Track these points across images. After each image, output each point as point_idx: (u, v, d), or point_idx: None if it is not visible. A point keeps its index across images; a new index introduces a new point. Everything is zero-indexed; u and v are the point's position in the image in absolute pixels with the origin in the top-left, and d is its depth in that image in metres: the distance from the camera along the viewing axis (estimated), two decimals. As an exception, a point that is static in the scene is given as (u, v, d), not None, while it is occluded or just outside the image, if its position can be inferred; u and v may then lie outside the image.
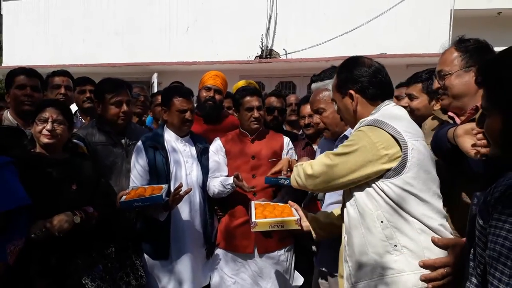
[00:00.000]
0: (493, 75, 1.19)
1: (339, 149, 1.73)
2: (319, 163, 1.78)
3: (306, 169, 1.82)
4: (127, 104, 2.77)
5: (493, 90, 1.18)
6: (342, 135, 2.37)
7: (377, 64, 1.82)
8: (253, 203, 2.32)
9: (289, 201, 2.24)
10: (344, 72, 1.83)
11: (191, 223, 2.70)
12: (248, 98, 2.78)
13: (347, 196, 1.78)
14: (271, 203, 2.35)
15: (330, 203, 2.31)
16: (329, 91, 2.37)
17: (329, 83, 2.40)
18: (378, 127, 1.64)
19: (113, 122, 2.75)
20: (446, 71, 1.89)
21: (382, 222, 1.62)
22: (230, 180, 2.65)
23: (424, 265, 1.55)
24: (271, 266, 2.73)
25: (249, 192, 2.64)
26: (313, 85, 2.53)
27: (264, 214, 2.16)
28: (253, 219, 2.10)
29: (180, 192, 2.47)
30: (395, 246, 1.60)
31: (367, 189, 1.67)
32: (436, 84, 1.99)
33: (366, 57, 1.85)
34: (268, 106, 3.36)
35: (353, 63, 1.83)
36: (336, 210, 2.14)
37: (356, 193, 1.71)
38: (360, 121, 1.76)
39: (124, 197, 2.42)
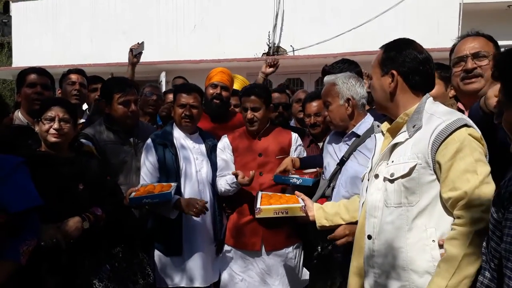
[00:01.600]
0: (509, 70, 1.18)
1: (472, 163, 1.48)
2: (477, 190, 1.45)
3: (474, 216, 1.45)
4: (135, 103, 2.78)
5: (510, 84, 1.17)
6: (351, 131, 2.35)
7: (428, 53, 1.70)
8: (260, 193, 2.36)
9: (296, 191, 2.25)
10: (393, 51, 1.71)
11: (202, 219, 2.70)
12: (243, 98, 2.77)
13: (396, 202, 1.61)
14: (279, 194, 2.38)
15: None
16: (336, 85, 2.36)
17: (341, 77, 2.39)
18: (473, 127, 1.53)
19: (121, 121, 2.76)
20: (487, 52, 1.83)
21: (433, 241, 1.52)
22: (235, 178, 2.65)
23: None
24: (279, 264, 2.72)
25: (252, 183, 2.60)
26: (326, 78, 2.52)
27: (270, 202, 2.17)
28: (257, 205, 2.12)
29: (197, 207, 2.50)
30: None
31: (437, 200, 1.54)
32: (472, 64, 1.89)
33: (419, 44, 1.73)
34: (272, 103, 3.32)
35: (405, 44, 1.71)
36: (343, 201, 2.13)
37: (418, 204, 1.56)
38: (445, 119, 1.55)
39: (133, 193, 2.44)
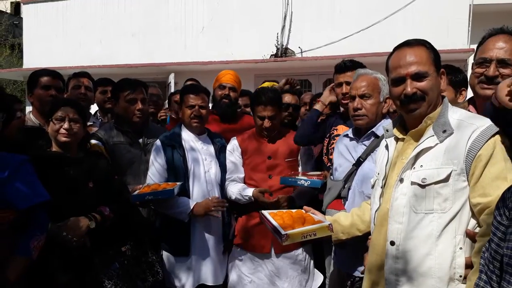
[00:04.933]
0: None
1: (503, 170, 1.49)
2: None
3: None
4: (142, 102, 2.81)
5: None
6: (370, 131, 2.29)
7: None
8: (265, 213, 2.05)
9: (305, 206, 2.09)
10: (434, 50, 1.69)
11: (210, 220, 2.71)
12: (260, 107, 2.73)
13: (428, 208, 1.57)
14: (284, 210, 2.15)
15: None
16: (379, 81, 2.29)
17: (380, 75, 2.31)
18: (501, 134, 1.52)
19: (129, 120, 2.79)
20: None
21: (460, 248, 1.51)
22: (249, 192, 2.65)
23: None
24: (288, 266, 2.71)
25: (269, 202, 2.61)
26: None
27: (284, 221, 1.93)
28: (283, 232, 1.79)
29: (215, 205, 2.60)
30: (460, 276, 1.51)
31: (467, 205, 1.53)
32: (494, 71, 1.83)
33: None
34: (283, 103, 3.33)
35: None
36: (355, 210, 2.06)
37: (451, 210, 1.53)
38: (478, 125, 1.54)
39: (137, 191, 2.47)
